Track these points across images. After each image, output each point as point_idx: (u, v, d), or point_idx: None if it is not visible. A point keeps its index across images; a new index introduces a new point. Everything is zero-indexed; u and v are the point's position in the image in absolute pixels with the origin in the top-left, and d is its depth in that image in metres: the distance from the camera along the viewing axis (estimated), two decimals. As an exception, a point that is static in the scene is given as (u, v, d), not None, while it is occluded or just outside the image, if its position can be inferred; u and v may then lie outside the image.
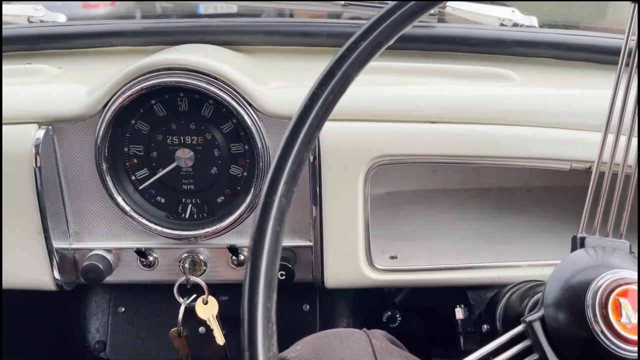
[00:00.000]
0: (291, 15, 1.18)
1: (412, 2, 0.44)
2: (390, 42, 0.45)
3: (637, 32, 0.53)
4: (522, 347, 0.50)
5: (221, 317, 0.84)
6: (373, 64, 0.77)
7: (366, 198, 0.70)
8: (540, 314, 0.51)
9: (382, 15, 0.44)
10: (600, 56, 0.76)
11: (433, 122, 0.69)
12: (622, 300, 0.47)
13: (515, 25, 0.87)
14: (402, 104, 0.69)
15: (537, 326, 0.50)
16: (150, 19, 0.87)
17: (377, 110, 0.69)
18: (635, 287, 0.48)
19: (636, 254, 0.53)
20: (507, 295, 0.69)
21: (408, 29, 0.45)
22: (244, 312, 0.37)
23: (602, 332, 0.46)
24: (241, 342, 0.37)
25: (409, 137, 0.68)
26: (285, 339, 0.88)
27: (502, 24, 0.88)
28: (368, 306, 0.92)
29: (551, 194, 1.00)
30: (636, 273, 0.49)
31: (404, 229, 0.87)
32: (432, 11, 0.77)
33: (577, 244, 0.54)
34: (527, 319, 0.51)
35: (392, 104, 0.69)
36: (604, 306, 0.47)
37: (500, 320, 0.67)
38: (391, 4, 0.44)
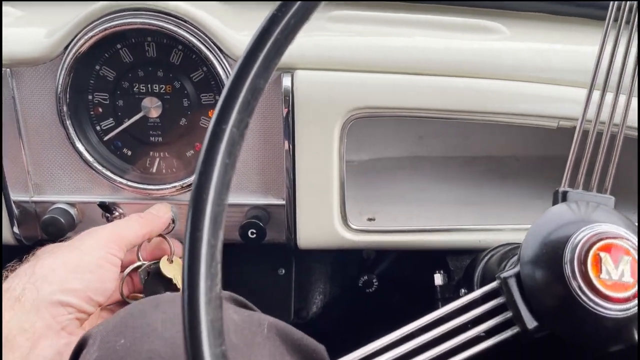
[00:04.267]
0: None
1: None
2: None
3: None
4: (495, 304, 0.47)
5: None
6: (355, 13, 0.73)
7: (342, 155, 0.66)
8: (515, 270, 0.48)
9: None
10: (597, 11, 0.72)
11: (415, 74, 0.65)
12: (602, 254, 0.44)
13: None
14: (382, 54, 0.65)
15: (512, 282, 0.47)
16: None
17: (356, 60, 0.65)
18: (618, 241, 0.45)
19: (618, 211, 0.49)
20: (485, 259, 0.66)
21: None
22: (185, 249, 0.34)
23: (579, 288, 0.44)
24: (181, 281, 0.33)
25: (388, 89, 0.64)
26: (260, 303, 0.85)
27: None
28: (346, 271, 0.89)
29: (541, 163, 0.97)
30: (620, 228, 0.46)
31: (386, 192, 0.84)
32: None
33: (559, 198, 0.50)
34: (502, 275, 0.48)
35: (372, 54, 0.65)
36: (582, 262, 0.44)
37: (478, 284, 0.64)
38: None
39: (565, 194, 0.50)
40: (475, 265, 0.67)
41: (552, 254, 0.46)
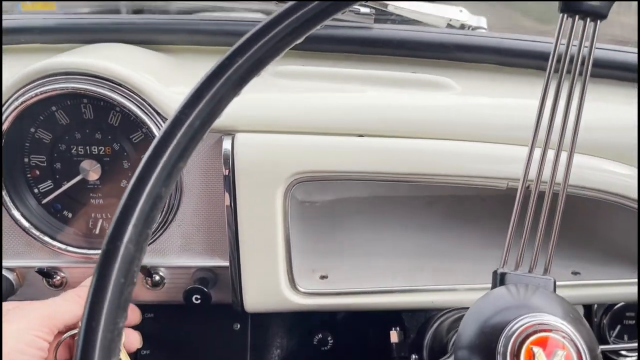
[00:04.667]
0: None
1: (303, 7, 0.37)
2: (279, 56, 0.39)
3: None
4: (429, 397, 0.46)
5: (146, 336, 0.78)
6: (303, 68, 0.71)
7: (286, 214, 0.64)
8: (450, 360, 0.46)
9: (266, 25, 0.38)
10: (545, 63, 0.70)
11: (360, 136, 0.63)
12: (535, 349, 0.42)
13: (462, 26, 0.81)
14: (326, 115, 0.63)
15: (447, 374, 0.45)
16: (72, 15, 0.79)
17: (298, 122, 0.63)
18: (553, 334, 0.43)
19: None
20: (436, 323, 0.64)
21: (300, 41, 0.39)
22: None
23: (511, 385, 0.42)
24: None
25: (331, 152, 0.62)
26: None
27: (449, 25, 0.82)
28: (304, 325, 0.87)
29: (507, 204, 0.95)
30: (557, 318, 0.44)
31: (343, 243, 0.82)
32: (367, 10, 0.70)
33: (497, 280, 0.49)
34: (436, 366, 0.46)
35: (315, 114, 0.63)
36: (515, 355, 0.42)
37: (427, 349, 0.62)
38: (279, 10, 0.38)
39: (503, 276, 0.48)
40: (426, 329, 0.65)
41: (486, 343, 0.44)
